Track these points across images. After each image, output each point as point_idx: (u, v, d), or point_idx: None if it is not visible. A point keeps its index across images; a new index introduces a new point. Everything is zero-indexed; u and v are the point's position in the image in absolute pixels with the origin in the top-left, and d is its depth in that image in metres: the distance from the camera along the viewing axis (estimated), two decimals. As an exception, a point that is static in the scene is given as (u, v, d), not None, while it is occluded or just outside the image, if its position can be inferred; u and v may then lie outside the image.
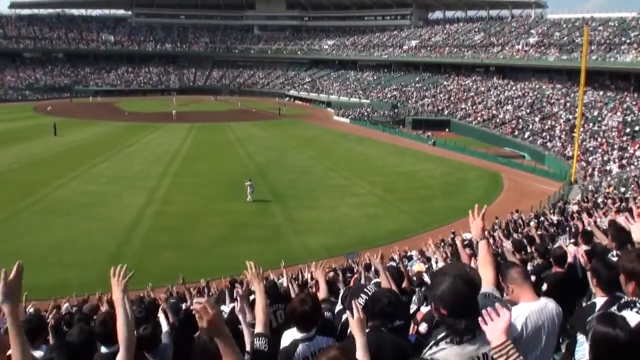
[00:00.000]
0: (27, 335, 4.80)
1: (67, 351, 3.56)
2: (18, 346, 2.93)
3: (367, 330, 3.66)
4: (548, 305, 3.93)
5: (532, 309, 3.83)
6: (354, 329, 3.26)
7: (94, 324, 4.90)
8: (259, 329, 3.91)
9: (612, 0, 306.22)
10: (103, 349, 4.70)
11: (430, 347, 2.92)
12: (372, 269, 12.98)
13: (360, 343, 3.22)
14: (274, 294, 7.41)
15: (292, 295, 8.82)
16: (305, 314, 4.01)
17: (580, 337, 3.20)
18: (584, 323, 3.09)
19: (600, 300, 4.47)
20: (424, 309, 6.10)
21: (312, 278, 14.49)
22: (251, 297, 9.09)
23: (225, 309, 8.09)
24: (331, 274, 13.31)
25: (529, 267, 8.62)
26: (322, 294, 5.84)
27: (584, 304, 6.12)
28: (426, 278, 9.83)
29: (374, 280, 6.38)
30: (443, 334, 2.91)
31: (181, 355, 5.82)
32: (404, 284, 7.63)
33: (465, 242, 18.11)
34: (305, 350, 3.93)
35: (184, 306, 9.92)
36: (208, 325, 2.52)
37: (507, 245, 9.42)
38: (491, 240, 17.96)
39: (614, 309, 3.71)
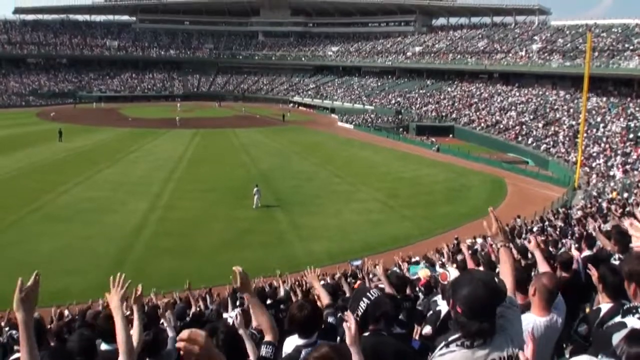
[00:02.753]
0: None
1: (62, 356, 3.53)
2: (27, 355, 2.93)
3: (367, 334, 3.64)
4: (557, 322, 3.96)
5: (540, 322, 3.85)
6: (348, 340, 3.11)
7: (98, 320, 4.91)
8: (267, 337, 3.91)
9: (616, 8, 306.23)
10: (103, 346, 4.69)
11: (441, 348, 2.92)
12: (372, 275, 12.96)
13: (355, 353, 3.08)
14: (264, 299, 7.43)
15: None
16: (304, 320, 4.00)
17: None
18: (607, 342, 3.08)
19: (605, 306, 4.45)
20: (428, 312, 6.09)
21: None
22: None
23: (228, 315, 8.10)
24: (337, 276, 13.29)
25: (533, 273, 8.57)
26: (325, 299, 5.81)
27: (587, 310, 6.10)
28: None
29: (378, 285, 6.37)
30: (455, 336, 2.90)
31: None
32: (407, 291, 7.62)
33: (474, 248, 18.09)
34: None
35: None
36: (200, 353, 2.29)
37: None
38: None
39: (618, 317, 3.70)
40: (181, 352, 2.28)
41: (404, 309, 6.05)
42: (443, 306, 5.45)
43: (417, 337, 5.80)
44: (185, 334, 2.32)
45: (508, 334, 2.91)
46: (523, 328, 3.17)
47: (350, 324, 3.07)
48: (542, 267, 5.08)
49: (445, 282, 6.59)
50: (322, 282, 15.05)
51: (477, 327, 2.78)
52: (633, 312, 3.53)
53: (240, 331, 4.74)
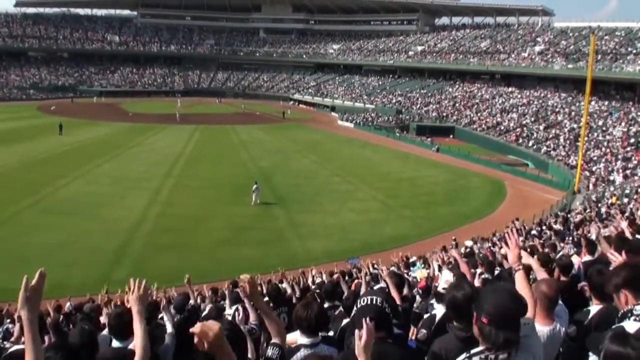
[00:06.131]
0: None
1: (65, 352, 3.50)
2: (31, 352, 2.89)
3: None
4: (560, 331, 3.96)
5: (543, 332, 3.85)
6: (357, 350, 2.90)
7: (110, 319, 4.89)
8: (275, 339, 3.87)
9: (621, 11, 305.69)
10: (115, 343, 4.69)
11: None
12: (364, 273, 12.92)
13: None
14: (277, 298, 7.42)
15: (294, 299, 8.80)
16: (310, 319, 3.98)
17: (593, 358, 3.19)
18: (597, 343, 3.08)
19: (594, 308, 4.46)
20: (424, 315, 6.08)
21: (312, 283, 14.45)
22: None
23: (228, 311, 8.08)
24: (335, 275, 13.28)
25: (531, 276, 8.56)
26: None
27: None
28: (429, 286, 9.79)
29: (378, 286, 6.35)
30: (478, 349, 2.88)
31: (182, 354, 5.80)
32: (405, 291, 7.61)
33: (468, 251, 18.12)
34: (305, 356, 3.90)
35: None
36: (210, 347, 2.31)
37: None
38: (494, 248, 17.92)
39: (616, 322, 3.69)
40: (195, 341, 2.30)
41: (402, 310, 6.04)
42: (438, 310, 5.45)
43: (413, 338, 5.80)
44: (198, 327, 2.33)
45: (531, 354, 2.90)
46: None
47: (362, 332, 2.94)
48: (540, 274, 5.06)
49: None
50: (319, 280, 15.07)
51: (504, 337, 2.76)
52: (628, 316, 3.52)
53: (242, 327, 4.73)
